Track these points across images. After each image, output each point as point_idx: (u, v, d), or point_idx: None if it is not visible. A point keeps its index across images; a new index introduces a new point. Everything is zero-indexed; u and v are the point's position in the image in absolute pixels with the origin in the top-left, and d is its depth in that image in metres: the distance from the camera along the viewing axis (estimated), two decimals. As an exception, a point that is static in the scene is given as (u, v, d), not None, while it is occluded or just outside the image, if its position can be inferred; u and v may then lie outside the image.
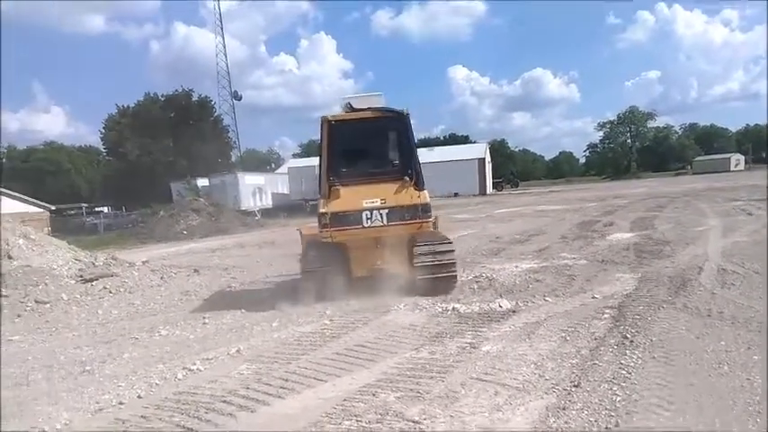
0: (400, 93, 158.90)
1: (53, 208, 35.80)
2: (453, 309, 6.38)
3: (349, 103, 7.53)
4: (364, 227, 7.11)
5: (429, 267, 7.03)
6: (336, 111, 7.84)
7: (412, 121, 7.65)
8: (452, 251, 7.22)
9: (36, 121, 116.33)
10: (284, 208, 35.35)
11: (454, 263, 7.23)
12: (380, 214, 7.09)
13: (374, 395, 3.98)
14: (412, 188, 7.15)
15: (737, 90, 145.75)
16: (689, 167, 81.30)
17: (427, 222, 7.25)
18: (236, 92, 61.49)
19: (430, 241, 7.21)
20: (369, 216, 7.09)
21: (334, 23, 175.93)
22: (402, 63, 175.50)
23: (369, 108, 7.43)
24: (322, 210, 7.23)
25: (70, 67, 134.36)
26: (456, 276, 7.34)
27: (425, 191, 7.27)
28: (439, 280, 7.11)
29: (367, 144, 7.63)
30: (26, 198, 32.66)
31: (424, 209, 7.18)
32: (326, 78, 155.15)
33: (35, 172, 56.24)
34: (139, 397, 4.38)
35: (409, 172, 7.20)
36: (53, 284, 9.15)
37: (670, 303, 5.89)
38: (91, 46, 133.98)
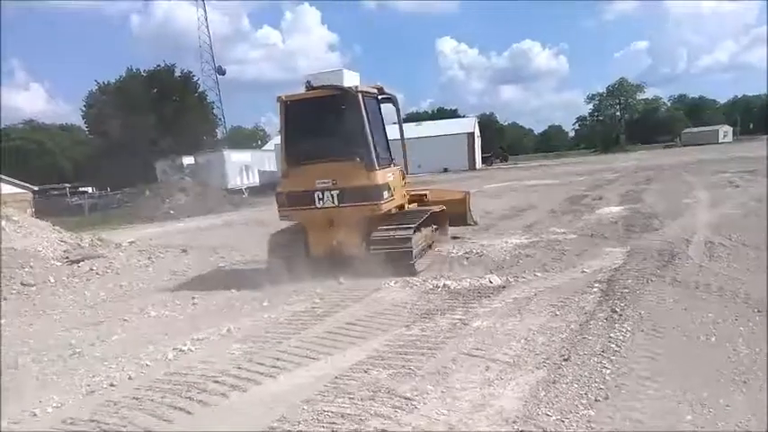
0: (388, 66, 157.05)
1: (36, 188, 35.15)
2: (444, 285, 6.39)
3: (308, 81, 7.38)
4: (317, 207, 7.12)
5: (383, 255, 6.96)
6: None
7: (400, 96, 7.73)
8: (408, 239, 6.96)
9: (14, 99, 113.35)
10: (272, 186, 34.94)
11: (410, 252, 6.96)
12: (332, 195, 7.06)
13: (366, 372, 4.00)
14: (363, 169, 7.02)
15: (726, 61, 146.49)
16: (678, 140, 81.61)
17: (378, 204, 7.03)
18: (219, 67, 60.08)
19: (388, 227, 7.12)
20: (321, 196, 7.10)
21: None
22: (389, 35, 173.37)
23: (322, 86, 7.25)
24: (278, 189, 7.42)
25: (48, 42, 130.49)
26: (413, 266, 7.03)
27: (379, 171, 7.11)
28: (394, 268, 6.96)
29: (321, 123, 7.49)
30: (7, 179, 32.01)
31: (375, 190, 7.01)
32: (312, 52, 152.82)
33: (16, 151, 55.00)
34: (130, 378, 4.37)
35: (361, 152, 7.05)
36: (39, 267, 9.03)
37: (658, 276, 5.95)
38: (69, 20, 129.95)
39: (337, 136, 7.42)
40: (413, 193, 9.26)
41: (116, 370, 4.57)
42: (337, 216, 7.19)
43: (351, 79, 7.49)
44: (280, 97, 7.42)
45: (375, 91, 7.76)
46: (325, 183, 7.09)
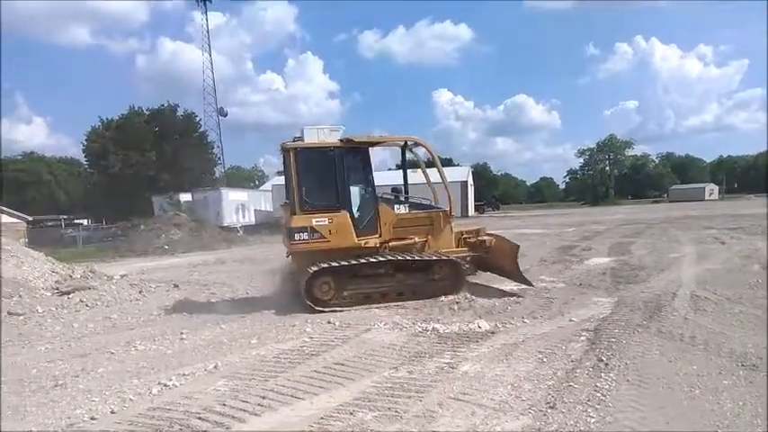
0: (386, 114, 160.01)
1: (31, 219, 35.06)
2: (433, 329, 6.43)
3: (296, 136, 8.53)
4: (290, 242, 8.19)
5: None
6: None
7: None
8: (310, 282, 7.86)
9: (16, 132, 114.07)
10: (267, 225, 35.13)
11: (309, 291, 7.89)
12: (287, 231, 8.22)
13: (352, 414, 3.99)
14: (296, 212, 8.04)
15: (711, 122, 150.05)
16: (665, 195, 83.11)
17: (292, 244, 7.99)
18: (221, 108, 60.99)
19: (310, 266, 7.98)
20: (287, 233, 8.27)
21: (321, 44, 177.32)
22: (388, 85, 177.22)
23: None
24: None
25: (53, 78, 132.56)
26: (312, 306, 7.84)
27: (300, 216, 7.98)
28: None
29: (287, 173, 8.62)
30: (3, 208, 31.94)
31: (292, 232, 7.98)
32: (312, 98, 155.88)
33: (14, 182, 55.08)
34: (113, 412, 4.32)
35: (290, 198, 8.24)
36: (28, 296, 8.98)
37: (645, 327, 6.02)
38: (75, 58, 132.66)
39: (287, 184, 8.66)
40: (476, 238, 9.08)
41: (98, 403, 4.53)
42: (290, 249, 8.42)
43: (324, 135, 8.35)
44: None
45: (327, 145, 8.27)
46: (287, 223, 8.30)
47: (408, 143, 9.05)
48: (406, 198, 8.84)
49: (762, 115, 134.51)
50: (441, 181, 9.03)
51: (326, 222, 8.07)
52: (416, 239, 8.59)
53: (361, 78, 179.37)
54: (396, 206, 8.63)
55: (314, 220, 8.03)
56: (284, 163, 8.31)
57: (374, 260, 8.05)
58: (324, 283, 7.99)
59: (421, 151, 9.51)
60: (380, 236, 8.41)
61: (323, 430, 3.74)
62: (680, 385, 4.28)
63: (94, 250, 25.91)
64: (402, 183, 9.39)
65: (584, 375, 4.57)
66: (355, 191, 8.54)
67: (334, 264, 7.94)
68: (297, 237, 7.97)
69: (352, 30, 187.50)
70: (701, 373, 4.53)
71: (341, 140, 8.36)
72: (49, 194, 60.81)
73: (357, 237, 8.18)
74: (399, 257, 8.22)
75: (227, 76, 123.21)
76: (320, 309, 7.82)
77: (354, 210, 8.38)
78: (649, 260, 11.64)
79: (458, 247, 8.98)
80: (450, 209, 8.91)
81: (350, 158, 8.46)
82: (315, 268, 7.85)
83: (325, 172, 8.30)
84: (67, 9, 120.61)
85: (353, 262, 7.98)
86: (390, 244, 8.45)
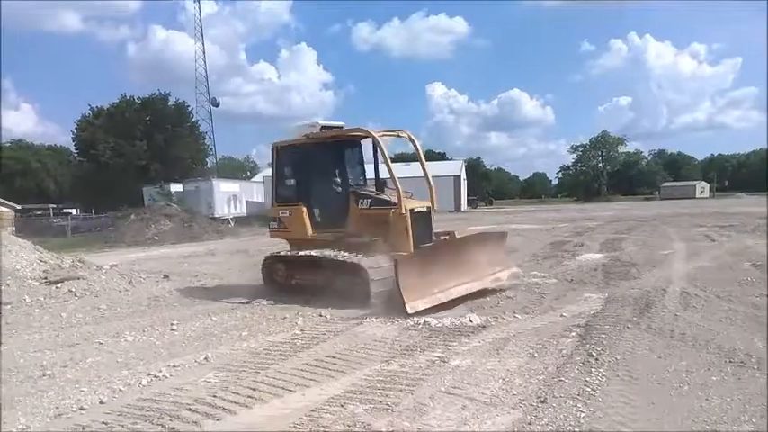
0: (380, 107, 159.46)
1: (18, 207, 34.77)
2: (425, 322, 6.42)
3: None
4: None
5: None
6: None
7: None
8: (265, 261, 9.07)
9: (4, 119, 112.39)
10: (258, 216, 35.04)
11: (262, 271, 9.13)
12: None
13: (342, 406, 3.98)
14: (273, 203, 9.30)
15: (704, 120, 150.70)
16: (657, 192, 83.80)
17: (270, 231, 9.36)
18: (214, 98, 60.69)
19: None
20: None
21: (315, 35, 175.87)
22: (382, 77, 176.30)
23: None
24: None
25: (42, 64, 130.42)
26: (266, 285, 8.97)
27: (274, 207, 9.21)
28: None
29: None
30: (-1, 199, 31.59)
31: (268, 220, 9.53)
32: (306, 89, 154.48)
33: (1, 170, 54.43)
34: (101, 402, 4.29)
35: None
36: (16, 285, 8.89)
37: (635, 323, 6.06)
38: (66, 44, 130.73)
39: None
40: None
41: (87, 393, 4.49)
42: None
43: (304, 131, 8.73)
44: None
45: (296, 142, 8.77)
46: None
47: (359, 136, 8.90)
48: (376, 193, 8.44)
49: (754, 114, 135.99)
50: (424, 175, 8.97)
51: (287, 214, 8.87)
52: (368, 237, 7.93)
53: (355, 70, 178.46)
54: (360, 201, 8.29)
55: (280, 212, 9.02)
56: (271, 159, 9.34)
57: (285, 253, 8.86)
58: (278, 269, 8.86)
59: (410, 145, 9.46)
60: (348, 230, 8.34)
61: (313, 422, 3.72)
62: (669, 381, 4.31)
63: (83, 240, 25.70)
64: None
65: (575, 370, 4.59)
66: (321, 185, 8.71)
67: (282, 253, 8.91)
68: (270, 225, 9.31)
69: (346, 21, 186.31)
70: (690, 369, 4.56)
71: (305, 137, 8.59)
72: (38, 183, 60.18)
73: (315, 230, 8.55)
74: (300, 254, 8.37)
75: (220, 66, 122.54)
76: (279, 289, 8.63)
77: (315, 204, 8.61)
78: (640, 257, 11.73)
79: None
80: (400, 206, 7.80)
81: (319, 154, 8.60)
82: (270, 254, 9.02)
83: (294, 167, 8.99)
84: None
85: (286, 253, 8.82)
86: (347, 240, 8.15)
